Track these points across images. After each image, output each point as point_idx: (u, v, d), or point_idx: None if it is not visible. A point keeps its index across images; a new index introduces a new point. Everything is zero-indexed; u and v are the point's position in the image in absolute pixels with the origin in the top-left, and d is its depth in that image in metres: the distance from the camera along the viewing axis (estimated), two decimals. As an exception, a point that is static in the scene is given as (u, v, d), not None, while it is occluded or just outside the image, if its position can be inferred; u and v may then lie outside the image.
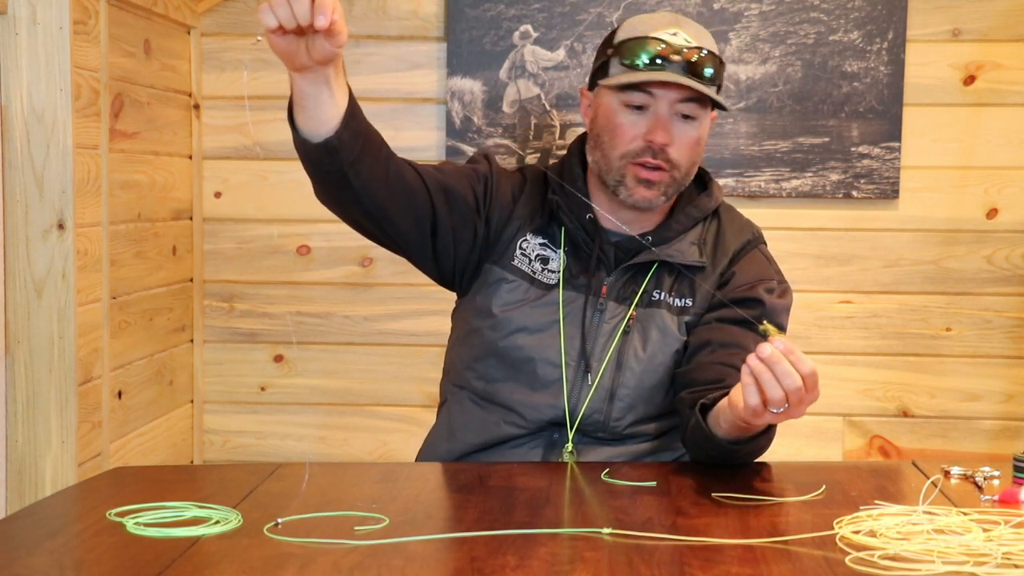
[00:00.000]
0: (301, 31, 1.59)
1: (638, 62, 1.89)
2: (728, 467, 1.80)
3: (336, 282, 3.14)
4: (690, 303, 1.95)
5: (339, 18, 1.57)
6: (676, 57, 1.88)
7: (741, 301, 1.92)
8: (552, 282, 1.97)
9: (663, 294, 1.96)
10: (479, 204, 1.99)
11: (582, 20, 3.03)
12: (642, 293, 1.95)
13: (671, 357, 1.94)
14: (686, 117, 1.92)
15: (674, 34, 1.90)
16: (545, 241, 2.00)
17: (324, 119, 1.72)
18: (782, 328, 1.93)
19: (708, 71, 1.89)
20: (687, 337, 1.95)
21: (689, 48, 1.89)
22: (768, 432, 1.75)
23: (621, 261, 1.97)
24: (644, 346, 1.93)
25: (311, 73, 1.66)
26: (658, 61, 1.89)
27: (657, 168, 1.91)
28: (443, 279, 2.04)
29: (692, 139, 1.92)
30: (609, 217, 1.98)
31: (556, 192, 1.99)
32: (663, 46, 1.88)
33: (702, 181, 2.05)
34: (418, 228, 1.93)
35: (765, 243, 2.07)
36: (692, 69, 1.89)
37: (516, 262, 1.99)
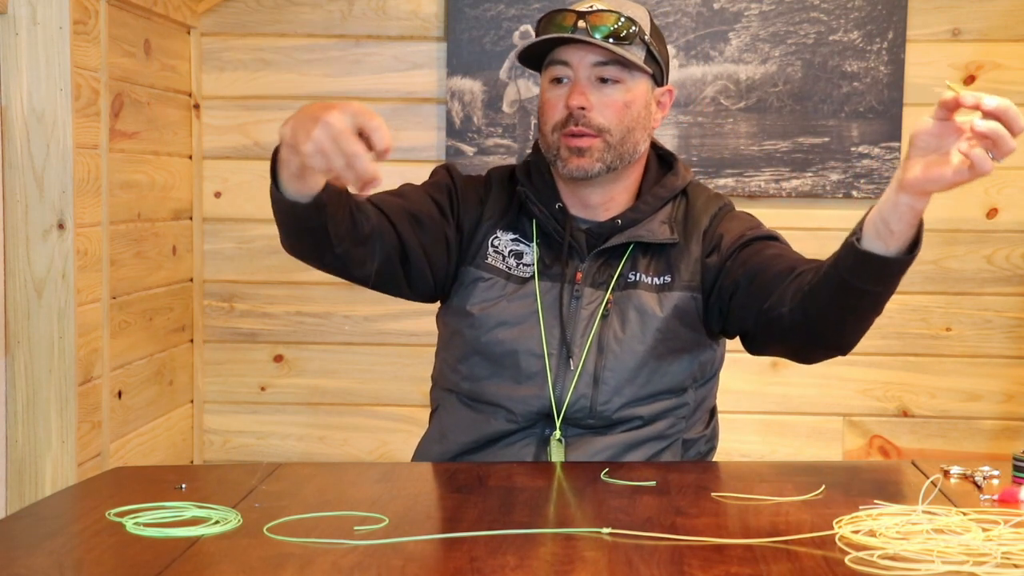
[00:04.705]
0: None
1: (550, 32, 1.92)
2: (836, 331, 1.81)
3: (336, 282, 3.12)
4: (669, 279, 1.96)
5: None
6: (582, 23, 1.91)
7: (740, 248, 1.94)
8: (527, 275, 1.98)
9: (639, 274, 1.96)
10: (444, 213, 2.00)
11: (582, 20, 3.03)
12: (618, 277, 1.96)
13: (652, 336, 1.94)
14: (607, 81, 1.93)
15: (590, 6, 1.92)
16: (517, 236, 2.01)
17: (314, 184, 1.71)
18: None
19: (623, 34, 1.91)
20: (709, 292, 1.95)
21: (599, 12, 1.91)
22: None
23: (594, 247, 1.98)
24: (623, 328, 1.94)
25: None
26: (568, 28, 1.92)
27: (584, 135, 1.93)
28: (425, 299, 2.05)
29: (617, 102, 1.94)
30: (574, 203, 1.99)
31: (523, 184, 2.01)
32: (572, 15, 1.92)
33: (668, 163, 2.06)
34: (388, 264, 1.94)
35: (734, 208, 2.07)
36: (605, 32, 1.90)
37: (490, 260, 1.99)
